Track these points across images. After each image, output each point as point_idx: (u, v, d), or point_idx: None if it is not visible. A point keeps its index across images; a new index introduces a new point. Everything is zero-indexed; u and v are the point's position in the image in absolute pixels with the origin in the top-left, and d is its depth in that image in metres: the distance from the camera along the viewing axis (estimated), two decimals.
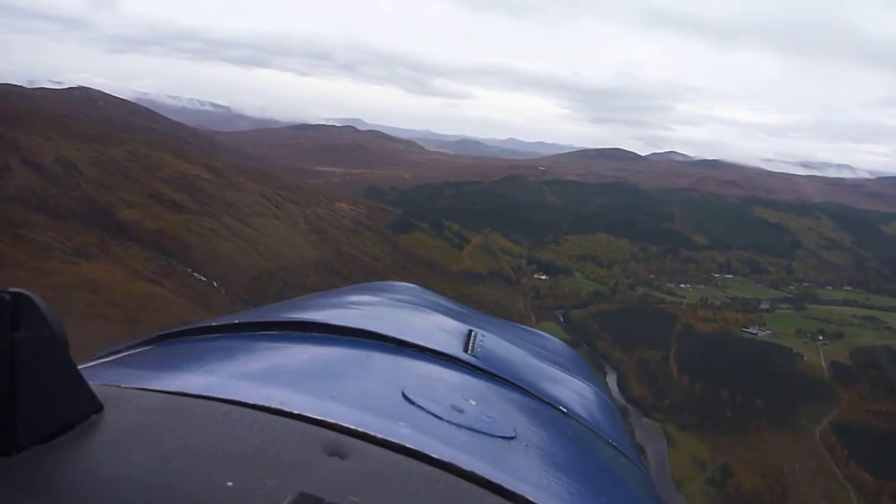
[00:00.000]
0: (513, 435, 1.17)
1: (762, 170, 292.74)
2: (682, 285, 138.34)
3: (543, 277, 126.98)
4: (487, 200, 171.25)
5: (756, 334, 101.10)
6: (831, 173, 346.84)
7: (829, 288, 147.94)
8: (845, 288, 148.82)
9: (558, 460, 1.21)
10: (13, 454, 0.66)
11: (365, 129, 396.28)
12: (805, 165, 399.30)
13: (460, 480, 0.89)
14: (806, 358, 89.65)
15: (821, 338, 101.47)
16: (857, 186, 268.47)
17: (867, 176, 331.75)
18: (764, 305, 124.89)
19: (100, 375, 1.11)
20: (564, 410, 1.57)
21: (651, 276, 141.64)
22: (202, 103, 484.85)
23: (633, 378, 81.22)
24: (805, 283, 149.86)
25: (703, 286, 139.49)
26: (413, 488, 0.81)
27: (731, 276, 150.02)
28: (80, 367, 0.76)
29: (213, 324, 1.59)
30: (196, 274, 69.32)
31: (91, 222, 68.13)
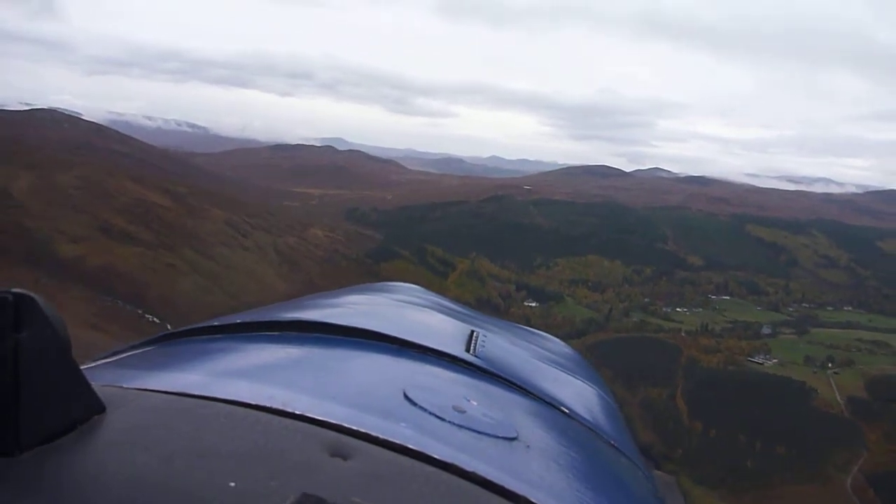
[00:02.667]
0: (514, 436, 1.18)
1: (751, 186, 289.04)
2: (678, 309, 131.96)
3: (534, 305, 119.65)
4: (473, 222, 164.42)
5: (763, 364, 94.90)
6: (818, 188, 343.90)
7: (830, 309, 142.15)
8: (846, 308, 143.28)
9: (560, 461, 1.21)
10: (16, 454, 0.67)
11: (346, 148, 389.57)
12: (788, 180, 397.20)
13: (462, 481, 0.90)
14: (820, 392, 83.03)
15: (830, 366, 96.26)
16: (848, 202, 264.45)
17: (855, 190, 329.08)
18: (766, 330, 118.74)
19: (102, 376, 1.13)
20: (566, 411, 1.58)
21: (646, 299, 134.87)
22: (179, 124, 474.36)
23: (640, 422, 73.50)
24: (804, 304, 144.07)
25: (700, 310, 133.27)
26: (415, 489, 0.81)
27: (728, 297, 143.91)
28: (82, 367, 0.79)
29: (215, 324, 1.60)
30: (148, 315, 61.41)
31: (25, 260, 60.05)
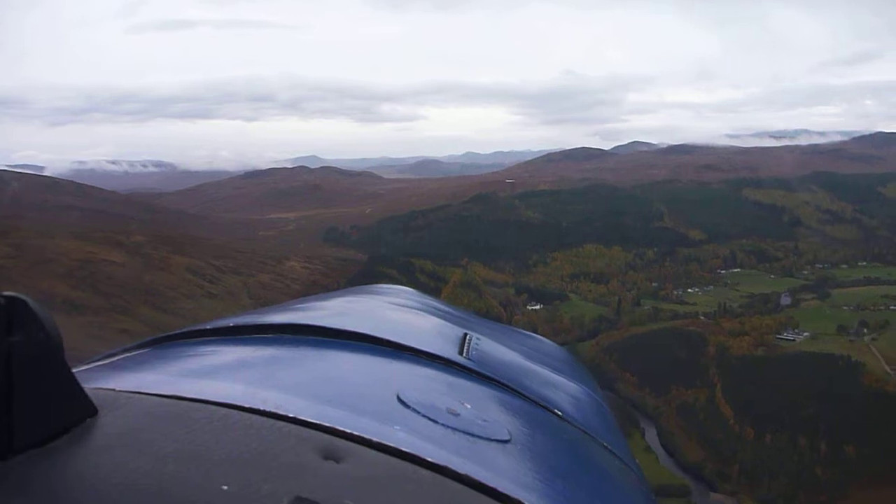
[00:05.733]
0: (507, 438, 1.17)
1: (735, 147, 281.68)
2: (689, 290, 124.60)
3: (537, 307, 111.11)
4: (459, 227, 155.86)
5: (795, 340, 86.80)
6: (803, 140, 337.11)
7: (845, 266, 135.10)
8: (861, 264, 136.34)
9: (553, 463, 1.22)
10: (8, 458, 0.67)
11: (319, 165, 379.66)
12: (770, 136, 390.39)
13: (455, 484, 0.89)
14: (866, 365, 74.88)
15: (865, 331, 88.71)
16: (836, 151, 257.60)
17: (840, 138, 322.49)
18: (785, 300, 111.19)
19: (95, 379, 1.12)
20: (559, 413, 1.58)
21: (654, 284, 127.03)
22: (144, 165, 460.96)
23: (682, 434, 64.69)
24: (818, 265, 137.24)
25: (712, 287, 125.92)
26: (408, 492, 0.81)
27: (738, 270, 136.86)
28: (75, 370, 0.77)
29: (208, 327, 1.60)
30: None
31: None
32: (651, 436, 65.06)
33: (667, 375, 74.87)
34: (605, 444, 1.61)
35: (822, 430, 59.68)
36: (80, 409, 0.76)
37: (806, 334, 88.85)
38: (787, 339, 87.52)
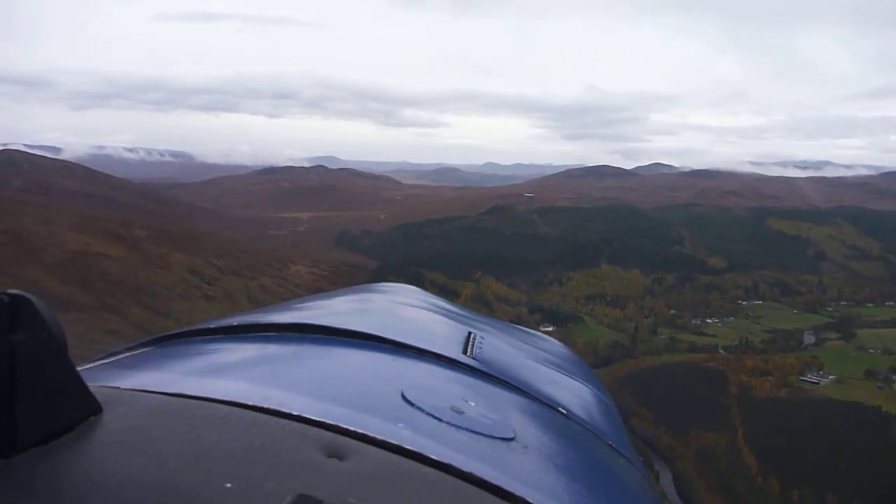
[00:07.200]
0: (512, 436, 1.18)
1: (759, 175, 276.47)
2: (708, 320, 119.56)
3: (550, 329, 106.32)
4: (474, 238, 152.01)
5: (819, 384, 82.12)
6: (828, 172, 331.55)
7: (870, 305, 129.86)
8: (888, 304, 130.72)
9: (557, 462, 1.21)
10: (12, 456, 0.67)
11: (339, 166, 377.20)
12: (794, 166, 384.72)
13: (459, 482, 0.90)
14: None
15: (895, 377, 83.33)
16: (863, 185, 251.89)
17: (867, 172, 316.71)
18: (809, 338, 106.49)
19: (99, 377, 1.12)
20: (564, 412, 1.58)
21: (672, 311, 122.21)
22: (162, 154, 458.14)
23: (700, 481, 60.10)
24: (842, 303, 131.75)
25: (732, 319, 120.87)
26: (412, 489, 0.81)
27: (760, 302, 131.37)
28: (79, 368, 0.77)
29: (212, 325, 1.60)
30: None
31: None
32: (666, 480, 60.63)
33: (685, 414, 70.31)
34: (610, 442, 1.61)
35: (852, 487, 55.15)
36: (85, 407, 0.77)
37: (832, 377, 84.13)
38: (810, 382, 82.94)
